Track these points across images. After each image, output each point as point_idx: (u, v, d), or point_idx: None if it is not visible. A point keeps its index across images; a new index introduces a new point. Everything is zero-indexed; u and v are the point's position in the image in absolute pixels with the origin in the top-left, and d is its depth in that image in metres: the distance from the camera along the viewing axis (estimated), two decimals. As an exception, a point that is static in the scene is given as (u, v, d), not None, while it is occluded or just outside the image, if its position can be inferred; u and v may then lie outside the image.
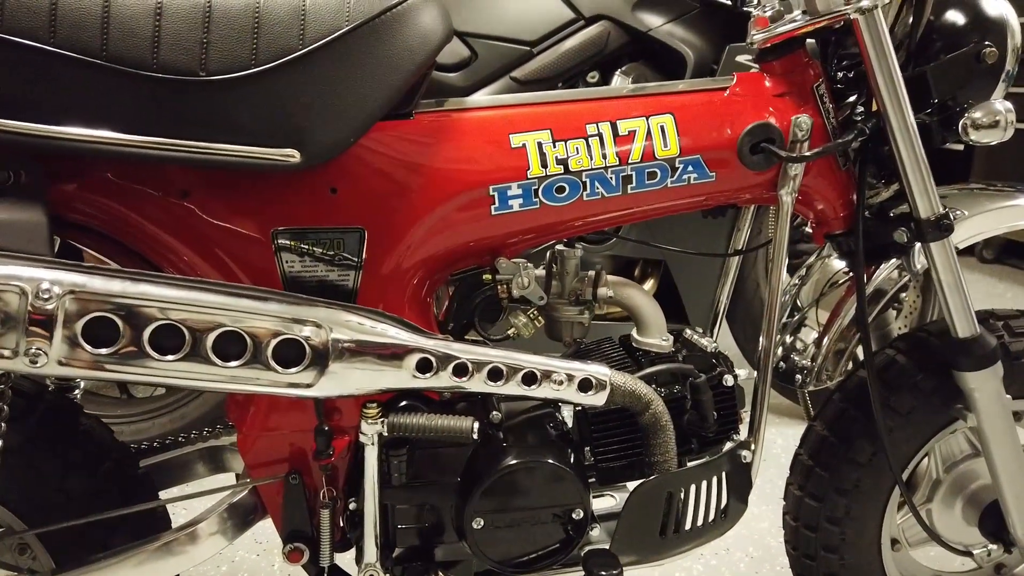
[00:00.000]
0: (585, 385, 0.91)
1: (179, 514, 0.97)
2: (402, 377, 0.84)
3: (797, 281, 1.23)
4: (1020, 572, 1.28)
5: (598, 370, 0.92)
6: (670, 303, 1.96)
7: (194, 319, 0.77)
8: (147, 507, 0.98)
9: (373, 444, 0.88)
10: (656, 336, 1.08)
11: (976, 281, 3.77)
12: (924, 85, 0.98)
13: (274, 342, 0.79)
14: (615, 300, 1.08)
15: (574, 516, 0.95)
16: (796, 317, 1.18)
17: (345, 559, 1.02)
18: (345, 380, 0.82)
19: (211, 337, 0.77)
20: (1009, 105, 0.95)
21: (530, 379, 0.89)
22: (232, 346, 0.78)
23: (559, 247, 1.09)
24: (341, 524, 1.00)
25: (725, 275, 1.23)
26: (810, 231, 1.09)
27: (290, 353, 0.80)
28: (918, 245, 1.04)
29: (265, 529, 1.76)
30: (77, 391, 1.10)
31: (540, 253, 1.10)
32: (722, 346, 1.12)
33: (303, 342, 0.80)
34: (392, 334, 0.83)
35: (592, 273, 1.08)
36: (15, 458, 0.92)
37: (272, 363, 0.79)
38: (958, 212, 1.09)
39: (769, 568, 1.60)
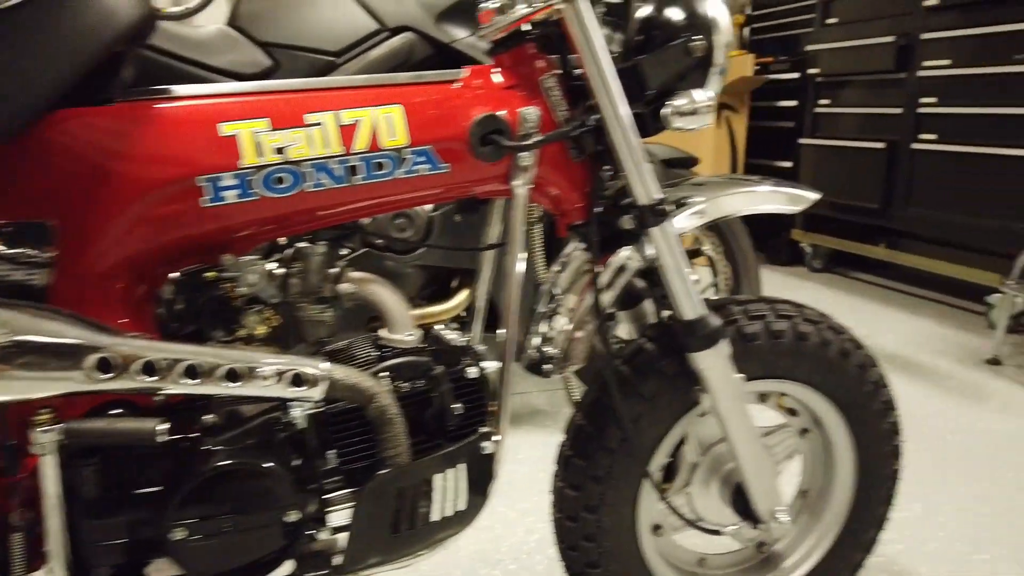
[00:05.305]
0: (298, 380, 0.88)
1: None
2: (78, 379, 0.78)
3: (558, 268, 1.24)
4: (779, 550, 1.34)
5: (313, 364, 0.88)
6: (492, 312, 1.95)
7: None
8: None
9: (49, 453, 0.80)
10: (401, 331, 1.06)
11: (806, 289, 4.00)
12: (639, 76, 1.02)
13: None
14: (357, 296, 1.06)
15: (286, 520, 0.90)
16: (552, 306, 1.18)
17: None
18: (6, 384, 0.75)
19: None
20: (710, 93, 1.00)
21: (234, 376, 0.84)
22: None
23: (300, 244, 1.05)
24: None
25: (483, 270, 1.22)
26: None
27: None
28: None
29: None
30: None
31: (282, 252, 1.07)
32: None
33: (-49, 341, 0.72)
34: (58, 331, 0.76)
35: (335, 270, 1.05)
36: None
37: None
38: (693, 199, 1.13)
39: (569, 568, 1.61)
